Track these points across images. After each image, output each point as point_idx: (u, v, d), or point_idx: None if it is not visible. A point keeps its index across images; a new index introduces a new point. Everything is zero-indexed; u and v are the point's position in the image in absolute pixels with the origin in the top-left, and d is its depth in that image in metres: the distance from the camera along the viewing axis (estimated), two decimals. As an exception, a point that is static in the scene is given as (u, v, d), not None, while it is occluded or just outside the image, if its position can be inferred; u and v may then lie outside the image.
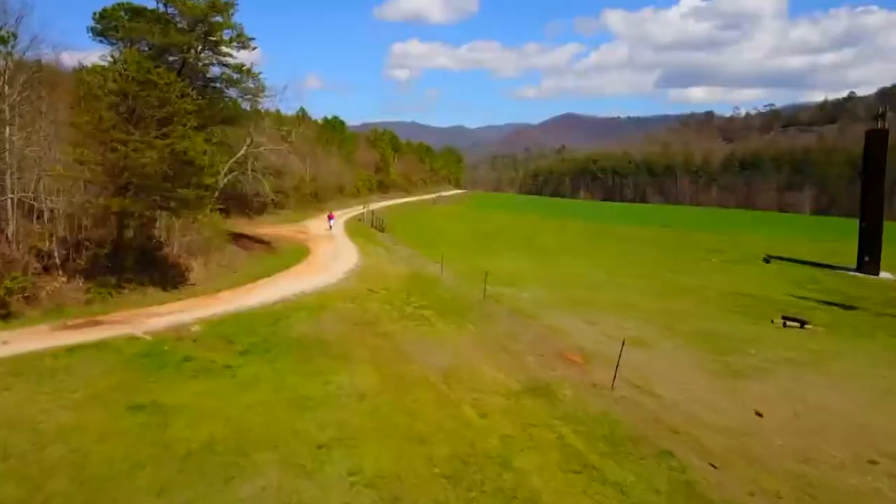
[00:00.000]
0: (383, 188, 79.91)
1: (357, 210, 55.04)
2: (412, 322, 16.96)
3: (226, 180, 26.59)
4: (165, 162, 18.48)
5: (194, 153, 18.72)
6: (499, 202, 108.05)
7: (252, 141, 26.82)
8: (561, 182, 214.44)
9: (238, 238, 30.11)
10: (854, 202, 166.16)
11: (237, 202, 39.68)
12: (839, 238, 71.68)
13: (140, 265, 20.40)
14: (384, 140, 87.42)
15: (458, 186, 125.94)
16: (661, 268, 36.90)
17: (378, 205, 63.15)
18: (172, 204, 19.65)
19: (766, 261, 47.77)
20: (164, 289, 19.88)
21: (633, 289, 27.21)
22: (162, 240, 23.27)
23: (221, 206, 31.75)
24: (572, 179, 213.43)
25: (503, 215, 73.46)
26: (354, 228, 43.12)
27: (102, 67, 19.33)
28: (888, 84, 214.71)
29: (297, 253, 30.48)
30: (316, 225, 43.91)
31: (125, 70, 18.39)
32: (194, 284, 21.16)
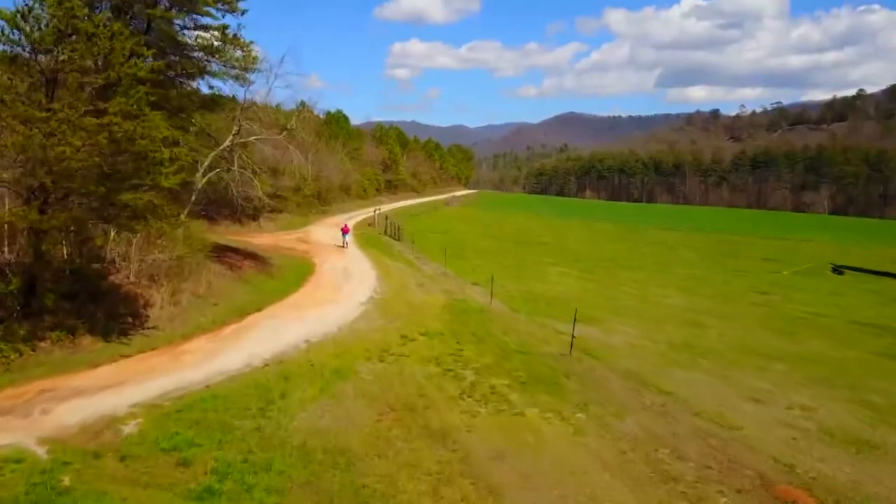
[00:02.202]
0: (392, 188, 73.55)
1: (366, 213, 48.77)
2: (482, 404, 10.70)
3: (205, 179, 20.33)
4: (100, 152, 12.24)
5: (145, 140, 12.44)
6: (512, 202, 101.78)
7: (240, 129, 20.55)
8: (566, 181, 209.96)
9: (223, 253, 23.82)
10: (871, 201, 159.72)
11: (222, 206, 33.42)
12: (884, 242, 65.60)
13: (74, 302, 14.16)
14: (391, 136, 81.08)
15: (466, 186, 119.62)
16: (737, 284, 30.71)
17: (388, 207, 56.92)
18: (117, 215, 13.41)
19: (839, 272, 41.75)
20: (107, 338, 13.63)
21: (735, 320, 20.99)
22: (114, 261, 17.04)
23: (202, 212, 25.59)
24: (578, 178, 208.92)
25: (524, 218, 67.29)
26: (366, 236, 36.87)
27: (12, 13, 13.04)
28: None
29: (299, 271, 24.23)
30: (321, 232, 37.67)
31: (39, 12, 12.13)
32: (154, 328, 14.90)
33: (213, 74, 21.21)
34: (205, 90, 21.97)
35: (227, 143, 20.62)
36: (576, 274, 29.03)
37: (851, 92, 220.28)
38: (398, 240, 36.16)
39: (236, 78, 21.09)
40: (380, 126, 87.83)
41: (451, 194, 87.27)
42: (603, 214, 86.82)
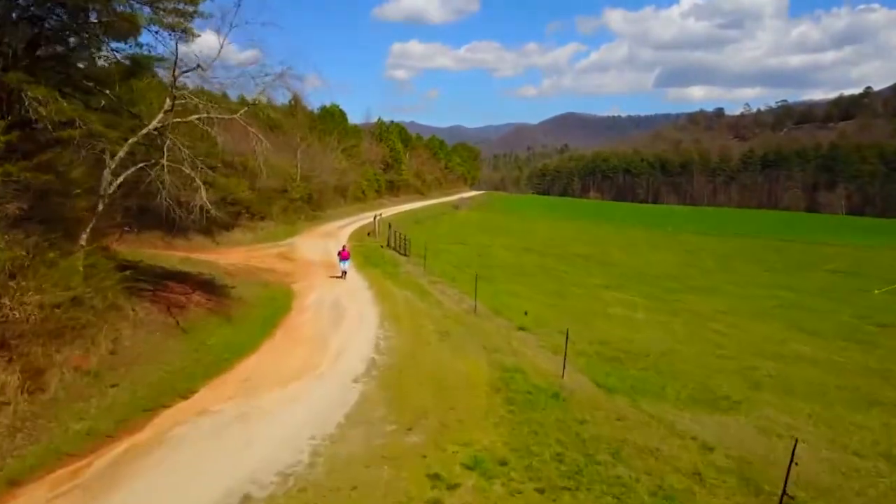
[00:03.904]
0: (394, 190, 66.42)
1: (365, 219, 41.74)
2: None
3: (121, 178, 13.33)
4: None
5: None
6: (525, 204, 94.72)
7: (173, 104, 13.57)
8: (569, 181, 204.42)
9: (162, 283, 16.82)
10: (890, 201, 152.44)
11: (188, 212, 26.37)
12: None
13: None
14: (392, 133, 73.88)
15: (472, 186, 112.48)
16: (842, 313, 23.77)
17: (390, 211, 49.87)
18: None
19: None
20: None
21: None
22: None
23: (127, 226, 18.73)
24: (581, 179, 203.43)
25: (545, 223, 60.36)
26: (364, 251, 29.85)
27: None
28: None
29: (271, 308, 17.29)
30: (309, 245, 30.71)
31: None
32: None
33: (142, 21, 14.21)
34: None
35: (155, 123, 13.62)
36: (642, 303, 22.03)
37: (856, 90, 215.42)
38: (405, 254, 29.16)
39: (172, 28, 14.10)
40: (381, 122, 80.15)
41: (459, 196, 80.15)
42: (623, 217, 79.94)
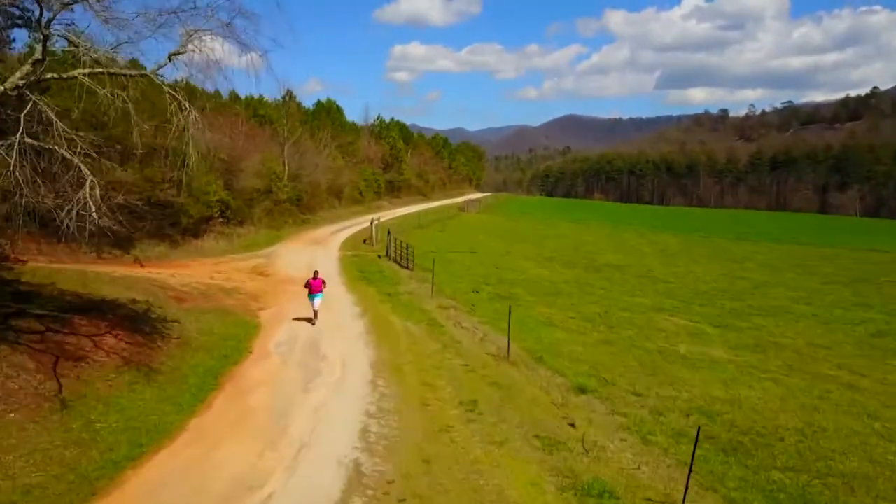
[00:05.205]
0: (394, 190, 61.29)
1: (362, 224, 36.69)
2: None
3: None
4: None
5: None
6: (536, 206, 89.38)
7: (45, 52, 8.54)
8: (573, 183, 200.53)
9: (67, 317, 11.78)
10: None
11: (164, 217, 21.31)
12: None
13: None
14: (393, 131, 68.81)
15: (478, 188, 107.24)
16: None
17: (390, 215, 44.83)
18: None
19: None
20: None
21: None
22: None
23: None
24: (586, 180, 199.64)
25: (560, 226, 55.18)
26: (359, 263, 24.83)
27: None
28: (892, 84, 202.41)
29: (217, 354, 12.26)
30: (292, 256, 25.69)
31: None
32: None
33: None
34: None
35: (16, 79, 8.64)
36: (714, 334, 16.97)
37: (859, 91, 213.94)
38: (407, 267, 24.11)
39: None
40: (381, 120, 74.57)
41: (466, 198, 74.94)
42: (637, 219, 74.82)
